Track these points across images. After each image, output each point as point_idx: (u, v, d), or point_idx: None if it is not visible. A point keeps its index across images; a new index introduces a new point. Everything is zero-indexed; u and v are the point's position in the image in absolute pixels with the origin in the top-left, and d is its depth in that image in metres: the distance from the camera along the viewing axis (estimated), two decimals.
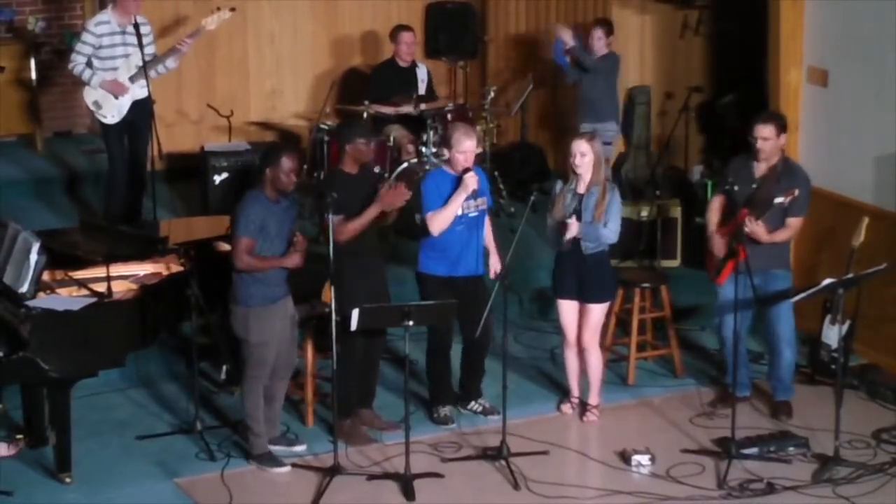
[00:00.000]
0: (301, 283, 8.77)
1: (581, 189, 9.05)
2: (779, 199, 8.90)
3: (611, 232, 9.04)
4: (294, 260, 8.44)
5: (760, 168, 9.14)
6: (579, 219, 8.97)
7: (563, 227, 9.01)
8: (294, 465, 8.66)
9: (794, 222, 9.12)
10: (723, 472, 8.52)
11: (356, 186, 8.79)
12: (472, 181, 8.94)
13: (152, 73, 10.79)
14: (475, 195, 9.04)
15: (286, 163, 8.36)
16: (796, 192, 8.92)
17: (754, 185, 9.11)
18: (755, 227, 8.96)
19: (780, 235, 9.12)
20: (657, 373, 10.06)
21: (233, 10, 10.99)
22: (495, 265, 9.28)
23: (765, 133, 9.05)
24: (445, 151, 9.22)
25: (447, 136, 9.20)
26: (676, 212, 11.65)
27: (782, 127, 9.14)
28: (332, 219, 8.44)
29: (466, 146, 8.97)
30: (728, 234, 9.11)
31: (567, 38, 11.71)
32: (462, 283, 9.09)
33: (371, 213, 8.74)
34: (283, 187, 8.41)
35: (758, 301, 9.05)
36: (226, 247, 8.99)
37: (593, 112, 11.66)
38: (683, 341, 10.30)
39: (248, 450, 8.71)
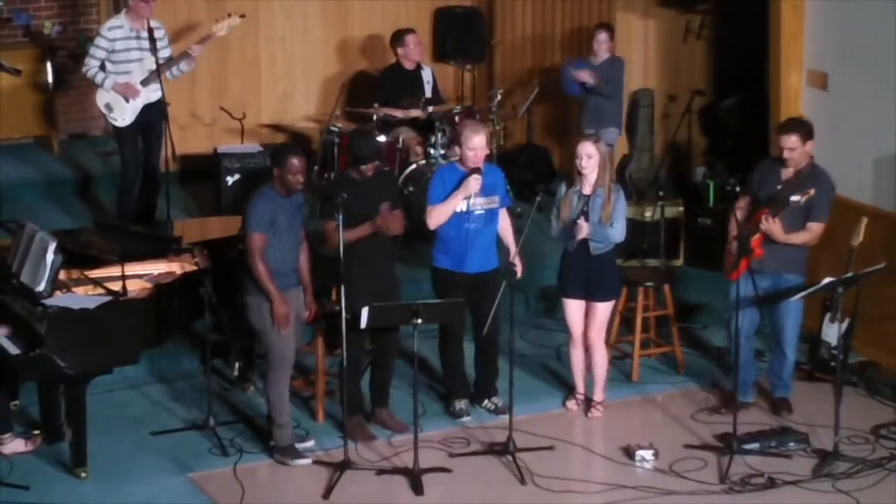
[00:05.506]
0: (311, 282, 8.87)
1: (587, 190, 9.10)
2: (794, 198, 8.87)
3: (618, 232, 9.10)
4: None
5: (787, 172, 9.12)
6: (587, 220, 9.03)
7: (572, 227, 9.05)
8: None
9: (814, 227, 9.06)
10: (725, 466, 8.58)
11: (364, 191, 8.81)
12: (474, 184, 8.94)
13: (167, 75, 10.88)
14: (482, 193, 9.01)
15: (293, 163, 8.44)
16: (812, 191, 8.88)
17: (778, 187, 9.10)
18: (771, 226, 8.94)
19: (798, 237, 9.06)
20: (660, 370, 10.13)
21: (242, 16, 11.07)
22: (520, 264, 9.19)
23: (790, 143, 9.00)
24: (457, 149, 9.20)
25: (457, 134, 9.17)
26: (679, 212, 11.70)
27: (807, 134, 9.05)
28: (340, 219, 8.46)
29: (475, 142, 8.95)
30: (744, 231, 9.08)
31: (588, 79, 11.72)
32: (470, 280, 9.12)
33: (361, 230, 8.76)
34: (290, 187, 8.49)
35: (763, 300, 9.11)
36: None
37: (597, 116, 11.72)
38: (686, 339, 10.37)
39: (272, 443, 8.71)
